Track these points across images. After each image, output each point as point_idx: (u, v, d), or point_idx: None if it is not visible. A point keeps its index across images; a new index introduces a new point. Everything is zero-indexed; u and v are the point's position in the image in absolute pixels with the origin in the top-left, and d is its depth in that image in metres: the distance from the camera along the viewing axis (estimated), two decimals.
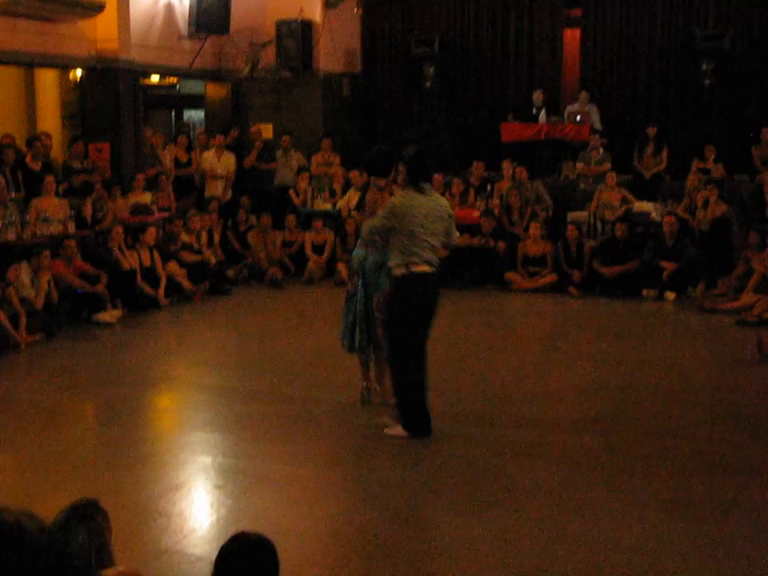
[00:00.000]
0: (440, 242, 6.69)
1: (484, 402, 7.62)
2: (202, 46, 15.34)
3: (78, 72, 13.77)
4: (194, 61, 15.29)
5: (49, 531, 1.87)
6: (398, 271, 6.56)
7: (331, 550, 5.11)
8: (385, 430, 6.79)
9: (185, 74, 16.12)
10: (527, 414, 7.36)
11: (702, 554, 4.89)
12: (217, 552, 3.06)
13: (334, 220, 13.79)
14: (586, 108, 15.16)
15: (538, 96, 15.53)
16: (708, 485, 5.87)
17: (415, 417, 6.68)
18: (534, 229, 12.51)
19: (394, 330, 6.66)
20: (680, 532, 5.14)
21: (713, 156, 13.87)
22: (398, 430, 6.73)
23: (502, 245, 12.64)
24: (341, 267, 12.71)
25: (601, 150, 14.19)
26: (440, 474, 6.10)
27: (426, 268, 6.54)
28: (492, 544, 5.01)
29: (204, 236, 12.70)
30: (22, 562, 1.75)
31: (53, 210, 11.19)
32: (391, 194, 6.99)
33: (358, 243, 7.37)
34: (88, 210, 11.78)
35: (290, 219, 13.66)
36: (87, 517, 3.24)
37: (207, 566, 3.09)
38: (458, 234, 7.22)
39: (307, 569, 4.76)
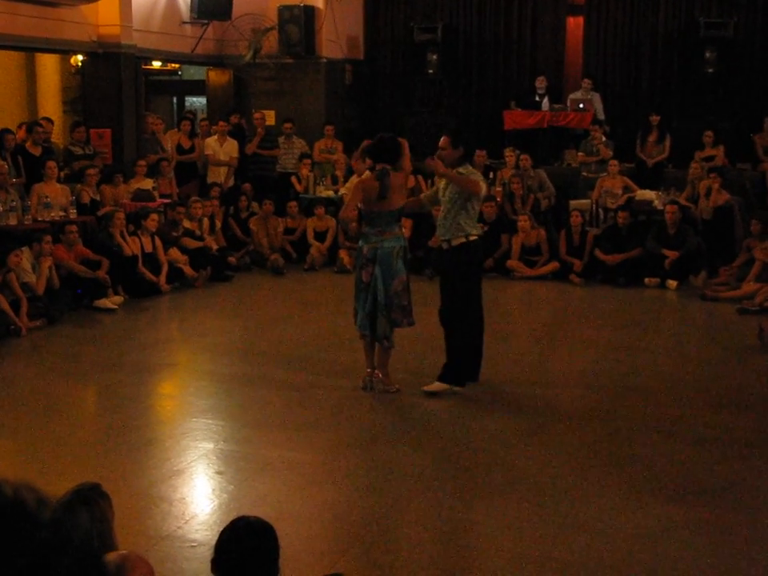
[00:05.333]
0: None
1: (486, 389, 7.62)
2: (204, 32, 15.29)
3: (80, 57, 13.73)
4: (195, 46, 15.25)
5: (50, 505, 1.86)
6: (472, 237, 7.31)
7: (332, 537, 5.12)
8: (423, 389, 7.36)
9: (187, 60, 16.09)
10: (529, 401, 7.36)
11: (702, 540, 4.90)
12: (218, 537, 3.07)
13: (336, 207, 13.77)
14: (589, 96, 15.12)
15: (540, 82, 15.50)
16: (709, 472, 5.89)
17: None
18: (524, 221, 12.46)
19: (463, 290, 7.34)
20: (681, 518, 5.15)
21: (711, 140, 13.82)
22: (437, 386, 7.34)
23: (505, 237, 12.62)
24: (343, 254, 12.72)
25: (603, 139, 14.16)
26: (442, 461, 6.11)
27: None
28: (494, 531, 5.02)
29: (206, 222, 12.68)
30: (21, 537, 1.73)
31: (54, 195, 11.18)
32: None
33: (367, 231, 7.36)
34: (85, 196, 11.74)
35: (292, 206, 13.65)
36: (90, 501, 3.24)
37: (208, 551, 3.09)
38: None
39: (308, 555, 4.76)
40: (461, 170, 7.23)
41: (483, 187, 7.28)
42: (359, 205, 7.32)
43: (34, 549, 1.68)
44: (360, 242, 7.43)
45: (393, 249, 7.24)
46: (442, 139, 7.39)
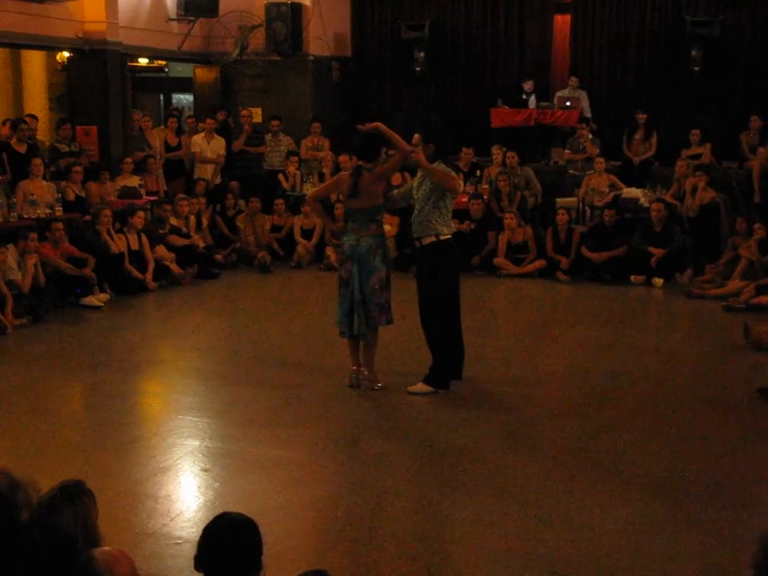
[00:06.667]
0: None
1: (472, 386, 7.63)
2: (191, 29, 15.26)
3: (66, 54, 13.69)
4: (182, 44, 15.21)
5: (24, 488, 1.86)
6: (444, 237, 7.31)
7: (317, 533, 5.13)
8: (408, 389, 7.36)
9: (173, 57, 16.05)
10: (514, 398, 7.38)
11: (685, 536, 4.92)
12: (201, 533, 3.07)
13: (323, 204, 13.72)
14: (576, 94, 15.15)
15: (528, 86, 15.53)
16: (693, 468, 5.91)
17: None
18: (510, 219, 12.48)
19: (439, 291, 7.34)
20: (665, 514, 5.18)
21: (697, 139, 13.88)
22: (421, 387, 7.33)
23: (491, 234, 12.65)
24: (329, 252, 12.71)
25: (589, 136, 14.19)
26: (427, 457, 6.12)
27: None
28: (479, 527, 5.04)
29: (192, 220, 12.66)
30: None
31: (40, 192, 11.15)
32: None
33: (348, 228, 7.40)
34: (71, 194, 11.70)
35: (279, 203, 13.64)
36: (74, 497, 3.24)
37: (194, 549, 3.10)
38: None
39: (293, 552, 4.77)
40: (434, 166, 7.27)
41: (460, 183, 7.35)
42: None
43: (8, 526, 1.68)
44: (343, 239, 7.47)
45: (370, 246, 7.24)
46: (415, 136, 7.44)
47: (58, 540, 1.97)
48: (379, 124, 7.37)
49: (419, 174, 7.52)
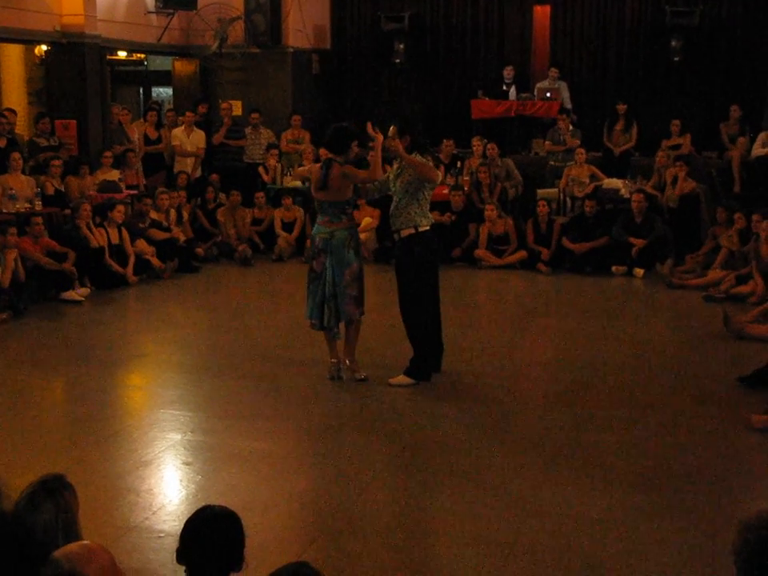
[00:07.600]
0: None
1: (453, 377, 7.64)
2: (170, 22, 15.18)
3: (44, 47, 13.60)
4: (161, 36, 15.14)
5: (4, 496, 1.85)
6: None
7: (300, 526, 5.12)
8: (389, 381, 7.36)
9: (152, 50, 15.97)
10: (495, 389, 7.39)
11: (667, 524, 4.94)
12: (183, 527, 3.07)
13: (304, 197, 13.73)
14: (556, 85, 15.16)
15: (508, 72, 15.52)
16: (673, 457, 5.94)
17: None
18: (490, 211, 12.49)
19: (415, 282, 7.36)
20: (645, 503, 5.20)
21: (678, 130, 13.93)
22: (402, 379, 7.34)
23: (472, 226, 12.65)
24: (310, 244, 12.69)
25: (569, 128, 14.21)
26: (410, 449, 6.12)
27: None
28: (462, 518, 5.04)
29: (173, 213, 12.62)
30: None
31: (19, 187, 11.09)
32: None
33: (319, 220, 7.40)
34: (50, 188, 11.63)
35: (260, 196, 13.60)
36: (54, 492, 3.23)
37: (176, 542, 3.10)
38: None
39: (276, 544, 4.77)
40: (412, 156, 7.26)
41: (438, 174, 7.36)
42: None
43: None
44: (312, 232, 7.48)
45: (344, 239, 7.28)
46: (390, 129, 7.43)
47: (15, 535, 1.95)
48: (380, 138, 7.34)
49: (395, 166, 7.51)
